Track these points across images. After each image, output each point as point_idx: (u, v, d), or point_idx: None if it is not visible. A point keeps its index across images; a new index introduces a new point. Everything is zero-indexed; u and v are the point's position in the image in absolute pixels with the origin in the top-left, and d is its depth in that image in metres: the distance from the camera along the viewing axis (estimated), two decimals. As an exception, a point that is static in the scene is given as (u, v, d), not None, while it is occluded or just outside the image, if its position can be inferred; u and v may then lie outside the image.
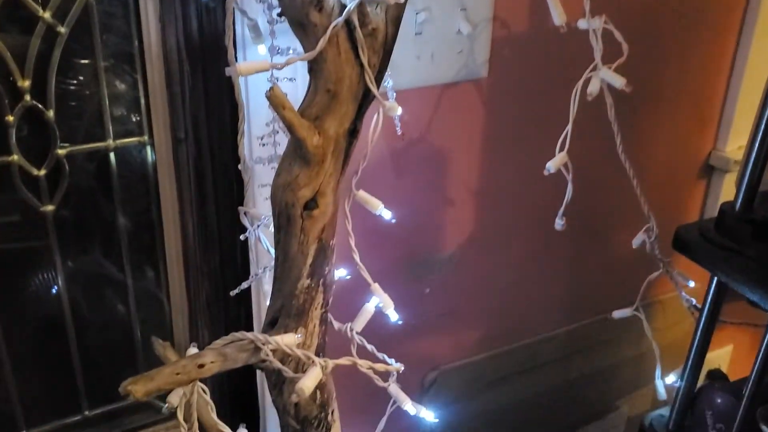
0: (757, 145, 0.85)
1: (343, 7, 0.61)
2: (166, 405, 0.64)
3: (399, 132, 0.98)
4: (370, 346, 0.74)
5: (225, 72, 0.66)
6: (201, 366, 0.61)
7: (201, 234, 0.94)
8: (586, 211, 1.16)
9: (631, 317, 0.97)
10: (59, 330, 0.94)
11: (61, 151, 0.87)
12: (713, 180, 1.36)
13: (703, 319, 0.98)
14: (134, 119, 0.90)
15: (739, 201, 0.89)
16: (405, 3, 0.63)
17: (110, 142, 0.89)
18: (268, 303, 0.74)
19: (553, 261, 1.26)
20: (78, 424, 1.00)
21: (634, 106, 1.18)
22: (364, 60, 0.62)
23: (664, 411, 1.09)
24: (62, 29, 0.82)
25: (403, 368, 0.73)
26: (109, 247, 0.95)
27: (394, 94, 0.84)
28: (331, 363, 0.67)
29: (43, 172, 0.87)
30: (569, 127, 0.78)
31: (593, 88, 0.76)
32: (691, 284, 0.92)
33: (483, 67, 1.03)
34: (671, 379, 1.03)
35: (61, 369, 0.97)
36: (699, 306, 0.97)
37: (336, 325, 0.76)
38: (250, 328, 0.97)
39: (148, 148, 0.92)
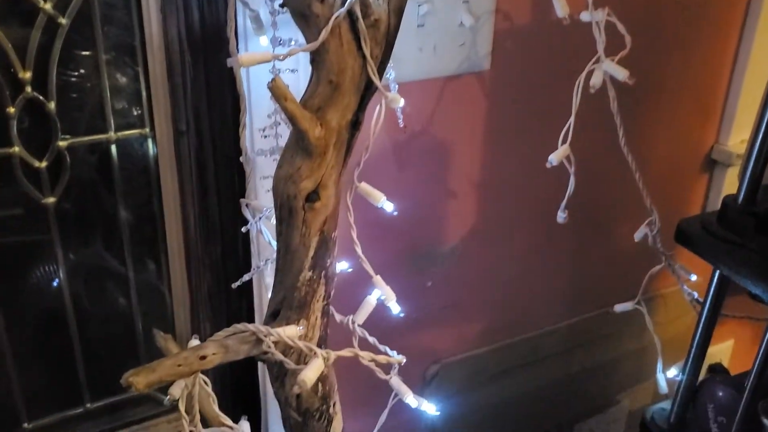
0: (759, 138, 0.85)
1: (346, -3, 0.60)
2: (168, 397, 0.64)
3: (401, 124, 0.98)
4: (371, 339, 0.74)
5: (227, 63, 0.66)
6: (203, 358, 0.61)
7: (203, 226, 0.94)
8: (588, 204, 1.16)
9: (633, 311, 0.97)
10: (61, 322, 0.94)
11: (62, 143, 0.86)
12: (715, 174, 1.36)
13: (705, 312, 0.98)
14: (135, 111, 0.90)
15: (742, 194, 0.89)
16: (407, -6, 0.63)
17: (111, 134, 0.89)
18: (269, 295, 0.74)
19: (555, 254, 1.26)
20: (80, 416, 1.00)
21: (637, 99, 1.18)
22: (367, 51, 0.62)
23: (666, 405, 1.09)
24: (63, 20, 0.82)
25: (405, 360, 0.73)
26: (111, 240, 0.94)
27: (396, 86, 0.84)
28: (333, 354, 0.67)
29: (44, 164, 0.87)
30: (572, 119, 0.78)
31: (596, 80, 0.76)
32: (693, 278, 0.93)
33: (485, 60, 1.02)
34: (673, 372, 1.04)
35: (62, 361, 0.97)
36: (701, 299, 0.97)
37: (338, 317, 0.76)
38: (251, 320, 0.98)
39: (150, 140, 0.91)
